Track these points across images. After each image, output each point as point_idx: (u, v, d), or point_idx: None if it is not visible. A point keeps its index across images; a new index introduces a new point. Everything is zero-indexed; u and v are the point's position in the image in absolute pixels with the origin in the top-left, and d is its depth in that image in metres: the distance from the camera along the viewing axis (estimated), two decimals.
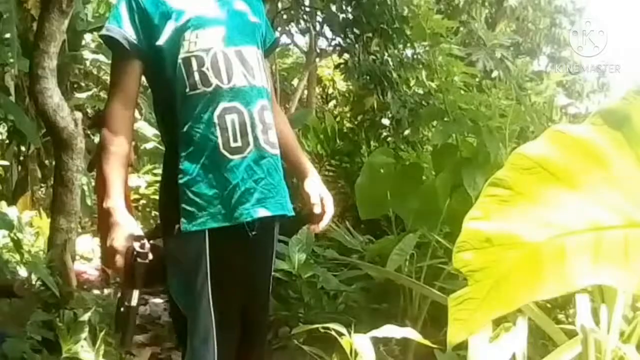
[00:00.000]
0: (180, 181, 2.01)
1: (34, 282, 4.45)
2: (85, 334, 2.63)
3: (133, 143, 7.62)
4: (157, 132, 9.57)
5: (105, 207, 1.94)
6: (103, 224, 2.00)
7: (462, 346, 2.60)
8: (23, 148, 8.53)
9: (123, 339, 1.92)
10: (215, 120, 2.02)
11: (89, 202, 9.37)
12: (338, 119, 7.97)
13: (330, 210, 2.27)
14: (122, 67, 2.09)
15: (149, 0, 2.07)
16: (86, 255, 7.83)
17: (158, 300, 5.57)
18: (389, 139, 6.22)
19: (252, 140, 2.05)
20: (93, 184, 8.48)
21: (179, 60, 2.03)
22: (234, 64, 2.07)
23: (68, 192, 3.87)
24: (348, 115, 7.79)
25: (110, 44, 2.07)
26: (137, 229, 1.95)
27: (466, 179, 3.47)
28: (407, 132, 5.91)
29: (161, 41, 2.05)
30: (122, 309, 1.88)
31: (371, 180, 4.13)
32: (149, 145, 9.44)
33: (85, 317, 2.69)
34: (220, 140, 2.02)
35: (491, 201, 1.49)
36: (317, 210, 2.20)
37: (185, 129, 2.03)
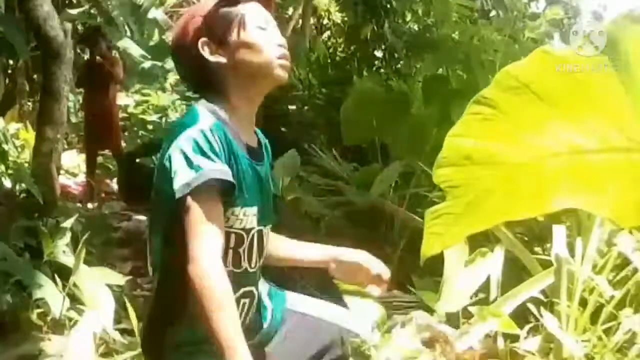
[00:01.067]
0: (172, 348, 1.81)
1: (18, 193, 4.48)
2: (67, 239, 2.65)
3: (122, 62, 7.51)
4: (144, 52, 9.50)
5: None
6: None
7: (439, 273, 2.65)
8: (11, 61, 8.43)
9: None
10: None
11: (74, 119, 9.36)
12: (331, 50, 7.91)
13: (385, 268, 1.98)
14: (219, 206, 1.68)
15: (227, 144, 1.69)
16: (72, 170, 7.87)
17: (141, 217, 5.62)
18: (381, 70, 6.19)
19: (250, 321, 1.89)
20: (80, 101, 8.47)
21: None
22: (258, 246, 1.86)
23: (55, 102, 3.86)
24: (342, 46, 7.73)
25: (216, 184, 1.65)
26: None
27: (455, 110, 3.46)
28: (399, 64, 5.88)
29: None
30: None
31: (358, 106, 4.11)
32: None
33: (68, 223, 2.69)
34: None
35: (475, 119, 1.50)
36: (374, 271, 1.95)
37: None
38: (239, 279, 1.81)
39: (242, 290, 1.83)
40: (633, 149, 1.42)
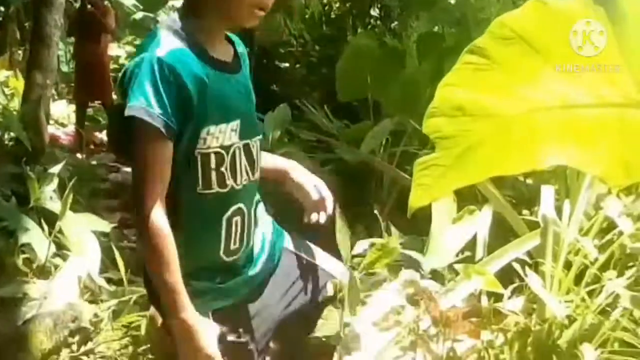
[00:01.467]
0: None
1: (6, 142, 4.44)
2: (54, 185, 2.62)
3: (113, 12, 7.41)
4: (136, 2, 9.38)
5: (181, 318, 1.67)
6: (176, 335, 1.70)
7: (426, 232, 2.65)
8: (2, 8, 8.33)
9: None
10: (224, 223, 1.80)
11: (65, 68, 9.28)
12: (327, 6, 7.86)
13: (329, 194, 2.01)
14: (157, 149, 1.64)
15: (186, 70, 1.65)
16: (61, 121, 7.82)
17: (130, 170, 5.58)
18: (376, 30, 6.14)
19: (245, 242, 1.87)
20: (71, 50, 8.38)
21: (197, 155, 1.71)
22: (243, 160, 1.81)
23: (45, 47, 3.83)
24: (337, 3, 7.67)
25: (143, 125, 1.61)
26: (217, 326, 1.74)
27: (449, 68, 3.42)
28: (394, 24, 5.84)
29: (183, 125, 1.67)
30: None
31: (353, 62, 4.07)
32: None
33: (55, 169, 2.66)
34: (223, 245, 1.81)
35: (467, 69, 1.48)
36: (315, 197, 1.98)
37: (189, 230, 1.76)
38: (226, 198, 1.79)
39: (231, 209, 1.80)
40: (626, 104, 1.41)
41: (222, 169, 1.76)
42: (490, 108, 1.48)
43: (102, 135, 7.60)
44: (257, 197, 1.95)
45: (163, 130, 1.62)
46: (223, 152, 1.75)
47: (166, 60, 1.62)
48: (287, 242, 2.10)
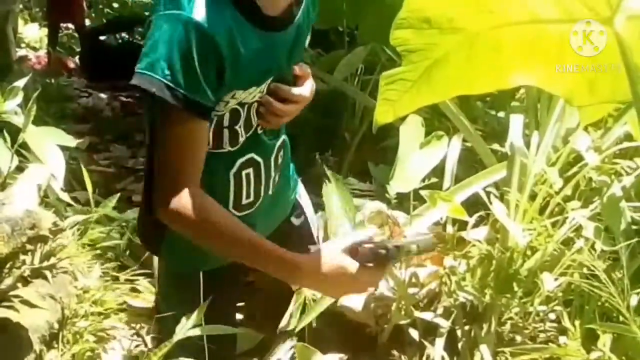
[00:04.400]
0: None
1: None
2: (19, 99, 2.53)
3: None
4: None
5: (304, 272, 1.52)
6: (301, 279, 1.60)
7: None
8: None
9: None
10: (231, 178, 1.65)
11: None
12: None
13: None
14: (195, 130, 1.47)
15: (225, 38, 1.41)
16: (33, 44, 7.68)
17: (102, 95, 5.53)
18: None
19: (263, 192, 1.73)
20: None
21: (213, 116, 1.53)
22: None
23: None
24: None
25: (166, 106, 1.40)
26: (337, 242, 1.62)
27: None
28: None
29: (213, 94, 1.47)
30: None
31: None
32: None
33: (21, 82, 2.58)
34: (231, 199, 1.67)
35: None
36: None
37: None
38: (234, 153, 1.65)
39: (239, 162, 1.66)
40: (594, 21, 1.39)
41: (236, 127, 1.60)
42: (457, 21, 1.45)
43: (77, 60, 7.49)
44: (282, 138, 1.78)
45: (195, 113, 1.42)
46: (240, 108, 1.58)
47: (204, 28, 1.37)
48: (299, 192, 2.02)
